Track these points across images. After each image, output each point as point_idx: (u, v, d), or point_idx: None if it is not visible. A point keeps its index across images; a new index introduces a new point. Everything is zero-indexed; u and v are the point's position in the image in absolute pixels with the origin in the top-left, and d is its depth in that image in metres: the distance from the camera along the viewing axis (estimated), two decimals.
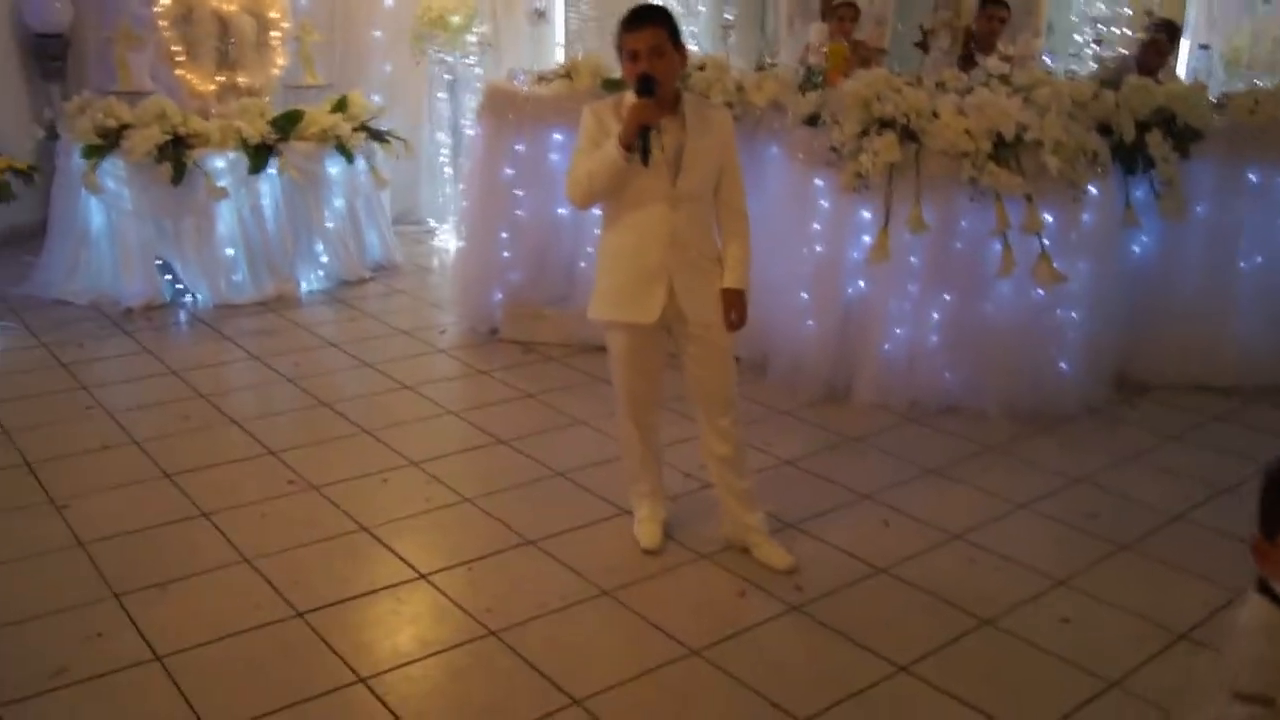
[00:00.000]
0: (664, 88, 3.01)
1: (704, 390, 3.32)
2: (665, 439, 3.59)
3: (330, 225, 6.51)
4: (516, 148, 5.50)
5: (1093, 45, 6.30)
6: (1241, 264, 5.15)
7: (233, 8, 6.54)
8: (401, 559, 3.39)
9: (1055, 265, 4.51)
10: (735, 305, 3.21)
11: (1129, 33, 6.93)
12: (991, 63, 5.40)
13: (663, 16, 3.07)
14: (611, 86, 5.35)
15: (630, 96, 3.06)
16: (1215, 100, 5.20)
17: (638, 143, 2.97)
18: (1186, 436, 4.61)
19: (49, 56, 7.21)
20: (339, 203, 6.57)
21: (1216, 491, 4.05)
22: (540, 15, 6.08)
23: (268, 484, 3.90)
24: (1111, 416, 4.80)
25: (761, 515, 3.46)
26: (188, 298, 6.05)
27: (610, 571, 3.34)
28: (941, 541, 3.62)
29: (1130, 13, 7.18)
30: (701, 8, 6.73)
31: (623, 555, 3.45)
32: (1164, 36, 5.90)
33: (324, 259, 6.51)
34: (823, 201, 4.85)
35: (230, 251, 6.07)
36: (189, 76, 6.40)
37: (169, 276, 6.04)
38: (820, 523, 3.72)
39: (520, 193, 5.56)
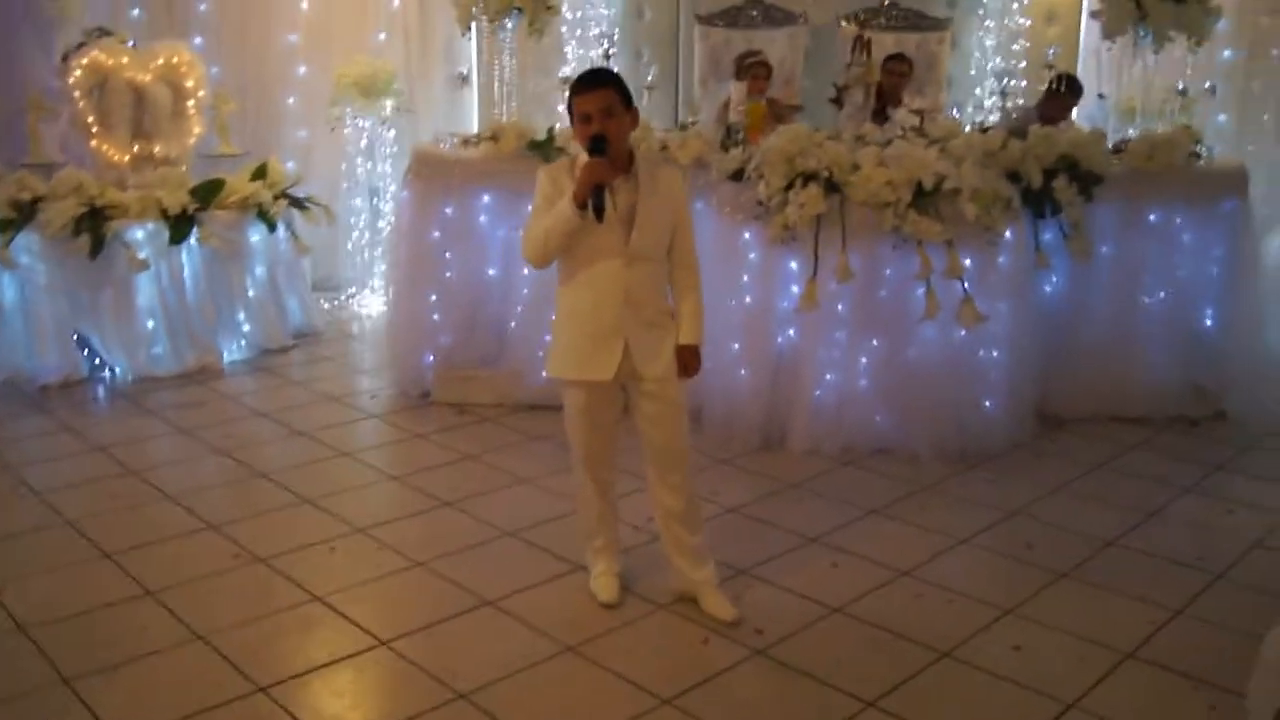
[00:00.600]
0: (616, 147, 3.10)
1: (657, 445, 3.36)
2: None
3: (252, 293, 6.44)
4: (445, 210, 5.53)
5: (996, 96, 6.61)
6: (1145, 299, 5.41)
7: (147, 78, 6.49)
8: (360, 627, 3.35)
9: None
10: (689, 360, 3.29)
11: (1024, 84, 7.27)
12: (900, 115, 5.63)
13: (613, 79, 3.16)
14: (537, 148, 5.44)
15: (583, 157, 3.13)
16: (1112, 147, 5.49)
17: (591, 200, 3.04)
18: (1107, 466, 4.81)
19: None
20: (260, 271, 6.51)
21: (1143, 516, 4.24)
22: (463, 79, 6.15)
23: (212, 558, 3.82)
24: (1035, 450, 4.98)
25: (711, 569, 3.48)
26: (106, 372, 5.92)
27: (572, 627, 3.35)
28: (890, 579, 3.71)
29: (1026, 64, 7.56)
30: (615, 68, 6.87)
31: (582, 610, 3.47)
32: (1068, 92, 6.22)
33: (246, 328, 6.43)
34: (751, 254, 4.97)
35: (150, 323, 5.96)
36: (104, 147, 6.30)
37: (86, 351, 5.90)
38: (771, 567, 3.79)
39: (449, 255, 5.59)
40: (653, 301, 3.25)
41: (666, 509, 3.40)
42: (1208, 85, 6.15)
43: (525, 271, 5.52)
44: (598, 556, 3.57)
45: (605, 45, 5.98)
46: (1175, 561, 3.84)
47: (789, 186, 4.78)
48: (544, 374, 3.40)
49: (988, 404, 4.98)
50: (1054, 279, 5.38)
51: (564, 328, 3.30)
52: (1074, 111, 6.44)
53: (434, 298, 5.64)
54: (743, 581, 3.65)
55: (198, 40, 7.57)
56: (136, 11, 7.52)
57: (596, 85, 3.12)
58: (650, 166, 3.25)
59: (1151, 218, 5.35)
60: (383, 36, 8.02)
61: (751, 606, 3.47)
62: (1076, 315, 5.42)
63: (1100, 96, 6.96)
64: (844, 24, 7.61)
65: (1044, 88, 6.40)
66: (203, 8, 7.73)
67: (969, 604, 3.53)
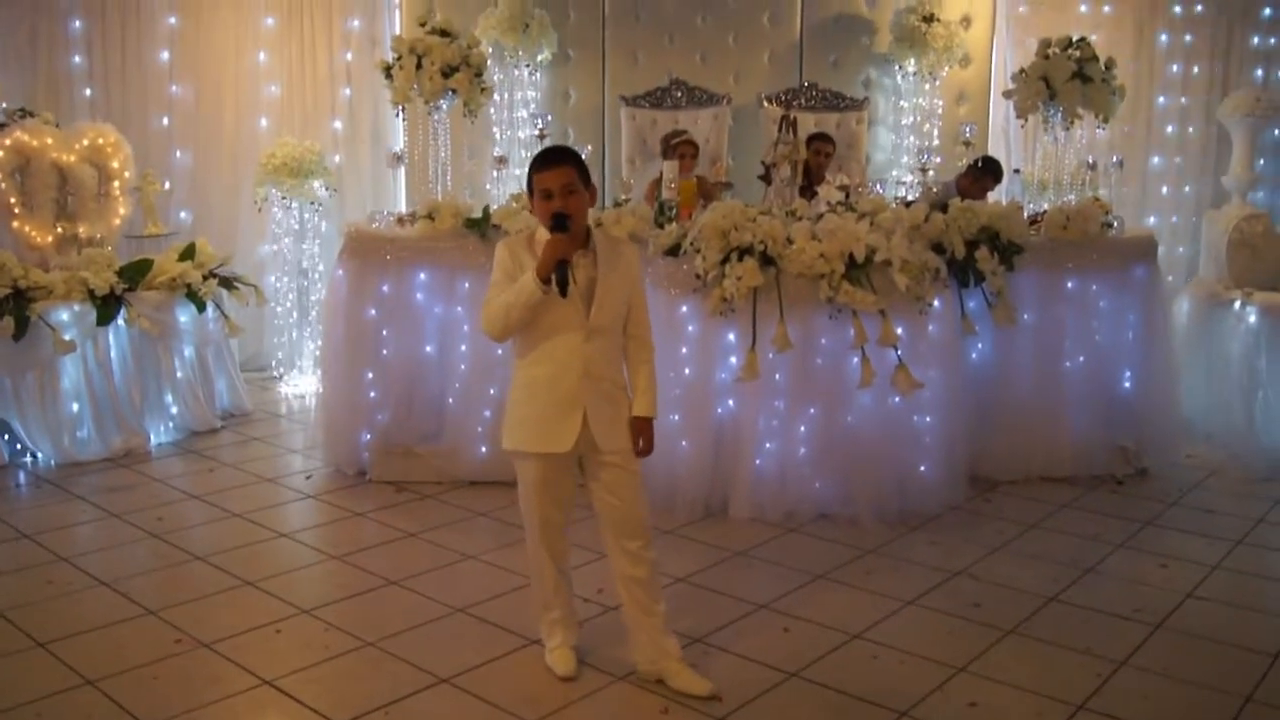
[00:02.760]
0: (576, 223, 3.16)
1: (617, 516, 3.37)
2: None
3: (180, 375, 6.33)
4: (382, 289, 5.53)
5: (915, 173, 6.86)
6: (1067, 363, 5.62)
7: (72, 158, 6.41)
8: (314, 710, 3.28)
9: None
10: (644, 432, 3.33)
11: (939, 160, 7.56)
12: (825, 191, 5.82)
13: (572, 157, 3.23)
14: (474, 225, 5.49)
15: (541, 232, 3.19)
16: (1029, 218, 5.73)
17: (555, 275, 3.09)
18: (1042, 525, 4.94)
19: None
20: (188, 351, 6.41)
21: (1081, 572, 4.36)
22: (399, 159, 6.19)
23: (153, 645, 3.70)
24: (972, 512, 5.11)
25: (675, 641, 3.47)
26: (27, 458, 5.75)
27: (531, 702, 3.32)
28: (842, 642, 3.75)
29: (939, 143, 7.87)
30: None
31: (540, 685, 3.44)
32: (988, 174, 6.48)
33: (174, 410, 6.31)
34: (690, 327, 5.06)
35: (75, 407, 5.81)
36: (26, 228, 6.19)
37: (6, 436, 5.73)
38: (724, 635, 3.80)
39: (386, 332, 5.57)
40: (609, 375, 3.30)
41: (630, 578, 3.39)
42: (1116, 159, 6.47)
43: (463, 348, 5.53)
44: (553, 629, 3.56)
45: (540, 126, 6.08)
46: (1115, 615, 3.95)
47: (725, 260, 4.90)
48: (504, 447, 3.38)
49: (924, 468, 5.10)
50: (980, 346, 5.56)
51: (522, 401, 3.32)
52: (989, 195, 6.71)
53: (370, 375, 5.61)
54: (698, 650, 3.66)
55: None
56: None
57: (557, 162, 3.19)
58: (608, 243, 3.32)
59: (1069, 285, 5.58)
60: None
61: (709, 675, 3.45)
62: (1003, 380, 5.60)
63: (1015, 171, 7.28)
64: (766, 104, 7.85)
65: (960, 164, 6.68)
66: (87, 93, 7.65)
67: (922, 663, 3.58)
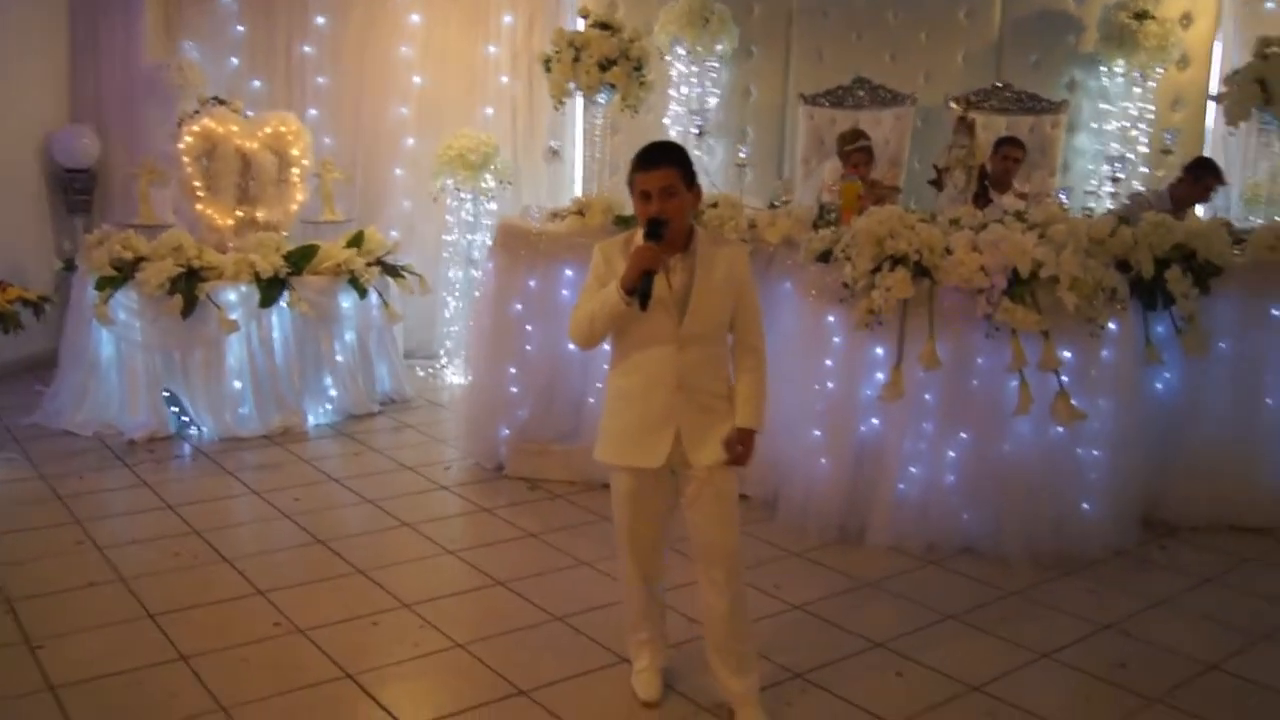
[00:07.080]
0: (674, 228, 2.95)
1: (702, 538, 3.13)
2: (669, 582, 3.42)
3: (340, 359, 6.48)
4: (528, 284, 5.47)
5: (1109, 181, 6.28)
6: (1268, 400, 5.00)
7: (254, 145, 6.66)
8: (384, 709, 3.21)
9: (1074, 403, 4.37)
10: (743, 442, 3.07)
11: (1145, 170, 6.94)
12: (1007, 200, 5.38)
13: (676, 156, 3.01)
14: (624, 223, 5.36)
15: (640, 235, 2.99)
16: (1235, 236, 5.12)
17: (640, 287, 2.90)
18: (1219, 580, 4.39)
19: (75, 191, 7.35)
20: (349, 336, 6.55)
21: (1254, 639, 3.83)
22: (555, 154, 6.14)
23: (253, 626, 3.73)
24: (1140, 559, 4.60)
25: (753, 680, 3.18)
26: (192, 430, 5.99)
27: None
28: (959, 694, 3.40)
29: (1147, 151, 7.20)
30: (711, 146, 6.83)
31: (619, 708, 3.26)
32: (1212, 177, 5.85)
33: (332, 392, 6.46)
34: (835, 338, 4.76)
35: (238, 384, 6.03)
36: (209, 211, 6.47)
37: (175, 409, 5.99)
38: (829, 673, 3.51)
39: (530, 328, 5.52)
40: (707, 386, 3.06)
41: (710, 608, 3.16)
42: None
43: (605, 347, 5.38)
44: (641, 650, 3.36)
45: (700, 124, 5.89)
46: None
47: (876, 269, 4.58)
48: (594, 457, 3.21)
49: (1086, 506, 4.63)
50: (1167, 375, 5.02)
51: (614, 412, 3.13)
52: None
53: (513, 370, 5.57)
54: (796, 686, 3.39)
55: (313, 112, 7.81)
56: (257, 83, 7.81)
57: (658, 163, 2.97)
58: (710, 245, 3.08)
59: (1275, 312, 4.95)
60: (490, 111, 8.14)
61: (801, 717, 3.20)
62: (1191, 415, 5.03)
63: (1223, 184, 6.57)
64: (952, 105, 7.38)
65: (1160, 173, 6.06)
66: (320, 80, 7.97)
67: None
